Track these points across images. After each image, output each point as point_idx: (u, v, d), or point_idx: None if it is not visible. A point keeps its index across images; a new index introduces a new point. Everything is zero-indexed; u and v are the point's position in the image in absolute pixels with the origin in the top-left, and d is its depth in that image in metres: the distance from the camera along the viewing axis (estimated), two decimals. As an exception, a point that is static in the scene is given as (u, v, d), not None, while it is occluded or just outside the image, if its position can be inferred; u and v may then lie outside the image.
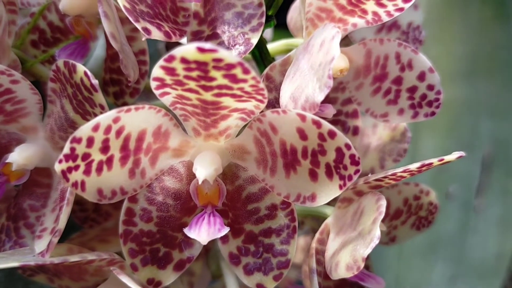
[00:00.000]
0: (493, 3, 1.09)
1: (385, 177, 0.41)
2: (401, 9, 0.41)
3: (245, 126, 0.39)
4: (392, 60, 0.44)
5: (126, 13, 0.38)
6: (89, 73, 0.35)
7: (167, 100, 0.36)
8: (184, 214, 0.42)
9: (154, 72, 0.33)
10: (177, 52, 0.31)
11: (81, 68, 0.36)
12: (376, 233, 0.36)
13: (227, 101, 0.35)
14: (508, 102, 1.06)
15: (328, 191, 0.38)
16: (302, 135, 0.36)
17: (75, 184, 0.35)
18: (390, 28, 0.53)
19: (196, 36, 0.44)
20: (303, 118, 0.35)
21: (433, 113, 0.44)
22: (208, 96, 0.34)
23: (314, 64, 0.38)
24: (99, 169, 0.36)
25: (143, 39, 0.39)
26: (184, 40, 0.44)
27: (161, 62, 0.32)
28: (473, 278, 1.00)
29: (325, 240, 0.45)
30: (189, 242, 0.42)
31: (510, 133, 1.06)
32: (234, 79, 0.32)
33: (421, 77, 0.43)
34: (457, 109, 1.07)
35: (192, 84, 0.33)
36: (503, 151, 1.06)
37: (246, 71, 0.32)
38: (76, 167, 0.34)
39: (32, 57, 0.51)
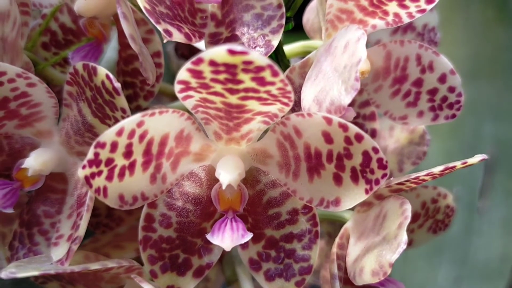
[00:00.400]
0: (495, 5, 1.10)
1: (407, 180, 0.40)
2: (423, 11, 0.40)
3: (267, 130, 0.38)
4: (412, 62, 0.43)
5: (147, 14, 0.37)
6: (111, 76, 0.35)
7: (189, 104, 0.35)
8: (203, 220, 0.41)
9: (179, 75, 0.32)
10: (206, 54, 0.30)
11: (102, 71, 0.35)
12: (403, 238, 0.36)
13: (252, 104, 0.34)
14: (511, 104, 1.06)
15: (353, 195, 0.37)
16: (328, 138, 0.36)
17: (97, 190, 0.34)
18: (405, 29, 0.53)
19: (214, 38, 0.43)
20: (329, 121, 0.35)
21: (454, 116, 0.43)
22: (233, 99, 0.34)
23: (338, 66, 0.37)
24: (121, 175, 0.35)
25: (165, 41, 0.38)
26: (201, 43, 0.43)
27: (188, 65, 0.31)
28: (478, 279, 1.00)
29: (344, 244, 0.44)
30: (208, 248, 0.41)
31: (512, 134, 1.06)
32: (262, 82, 0.32)
33: (442, 79, 0.43)
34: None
35: (218, 87, 0.33)
36: (505, 153, 1.06)
37: (275, 74, 0.31)
38: (99, 173, 0.33)
39: (43, 60, 0.50)
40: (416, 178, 0.40)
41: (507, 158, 1.06)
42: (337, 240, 0.44)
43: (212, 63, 0.30)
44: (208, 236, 0.37)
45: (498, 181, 1.05)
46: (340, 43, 0.39)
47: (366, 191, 0.36)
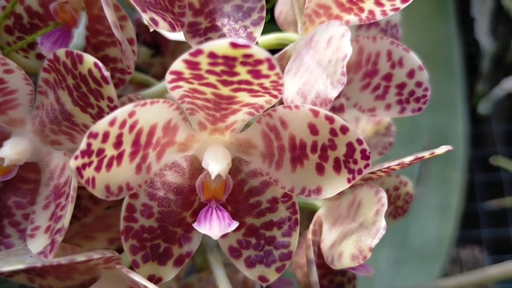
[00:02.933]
0: (433, 1, 1.16)
1: (379, 169, 0.43)
2: (397, 9, 0.42)
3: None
4: (383, 57, 0.45)
5: (133, 3, 0.36)
6: (100, 64, 0.34)
7: (176, 94, 0.35)
8: (184, 209, 0.41)
9: (174, 66, 0.32)
10: (206, 46, 0.30)
11: (89, 58, 0.34)
12: (382, 224, 0.38)
13: (242, 96, 0.35)
14: (446, 96, 1.13)
15: (335, 184, 0.39)
16: (313, 130, 0.37)
17: (87, 181, 0.33)
18: (369, 26, 0.55)
19: (192, 28, 0.43)
20: (316, 113, 0.36)
21: (420, 109, 0.46)
22: (225, 90, 0.34)
23: (321, 60, 0.39)
24: (109, 165, 0.35)
25: (151, 30, 0.37)
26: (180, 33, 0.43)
27: (185, 56, 0.31)
28: (416, 261, 1.07)
29: (317, 231, 0.46)
30: (188, 237, 0.42)
31: (448, 125, 1.13)
32: (257, 74, 0.32)
33: (411, 74, 0.45)
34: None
35: (212, 79, 0.33)
36: (441, 142, 1.12)
37: (271, 67, 0.32)
38: (90, 163, 0.33)
39: (5, 44, 0.47)
40: (388, 167, 0.42)
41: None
42: (311, 226, 0.46)
43: (212, 55, 0.31)
44: (195, 225, 0.37)
45: (434, 169, 1.12)
46: (322, 38, 0.40)
47: (349, 180, 0.38)
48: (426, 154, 0.43)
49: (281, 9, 0.50)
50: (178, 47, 0.67)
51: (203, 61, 0.31)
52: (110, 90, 0.35)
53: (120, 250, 0.50)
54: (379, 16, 0.43)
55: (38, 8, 0.46)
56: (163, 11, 0.40)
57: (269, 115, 0.38)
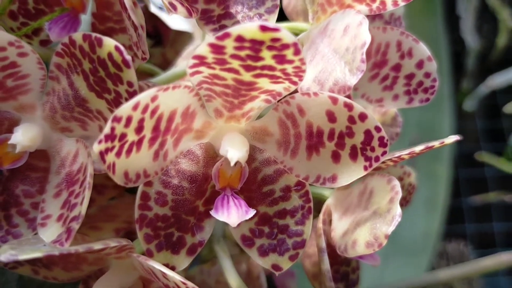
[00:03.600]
0: (421, -1, 1.17)
1: (389, 159, 0.43)
2: (408, 0, 0.43)
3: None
4: (393, 48, 0.46)
5: (151, -13, 0.36)
6: (121, 48, 0.33)
7: (195, 79, 0.35)
8: (197, 198, 0.41)
9: (198, 50, 0.32)
10: (234, 29, 0.30)
11: (110, 42, 0.33)
12: (397, 211, 0.38)
13: (262, 82, 0.35)
14: (434, 93, 1.15)
15: (351, 172, 0.39)
16: (331, 117, 0.37)
17: (109, 166, 0.33)
18: (374, 17, 0.55)
19: (205, 15, 0.43)
20: (334, 100, 0.36)
21: (427, 99, 0.47)
22: (247, 76, 0.34)
23: (338, 48, 0.39)
24: (129, 151, 0.34)
25: (170, 15, 0.37)
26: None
27: (211, 39, 0.31)
28: (403, 256, 1.08)
29: (326, 220, 0.46)
30: (200, 225, 0.41)
31: (434, 120, 1.15)
32: (282, 59, 0.32)
33: (420, 65, 0.46)
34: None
35: (235, 64, 0.33)
36: (428, 137, 1.14)
37: (297, 52, 0.32)
38: (112, 148, 0.32)
39: (9, 29, 0.46)
40: (398, 157, 0.43)
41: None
42: (320, 216, 0.46)
43: (239, 38, 0.30)
44: (212, 213, 0.37)
45: (421, 164, 1.14)
46: (338, 27, 0.40)
47: (365, 168, 0.38)
48: (436, 143, 0.43)
49: (289, 0, 0.50)
50: (178, 38, 0.66)
51: (229, 45, 0.31)
52: (131, 74, 0.34)
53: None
54: (389, 7, 0.43)
55: (44, -7, 0.45)
56: (177, -4, 0.39)
57: (287, 102, 0.38)
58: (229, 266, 0.48)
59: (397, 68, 0.46)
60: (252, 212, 0.37)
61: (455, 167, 1.23)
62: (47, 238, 0.37)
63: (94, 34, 0.34)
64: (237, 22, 0.42)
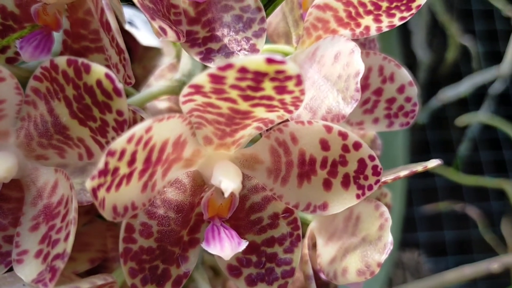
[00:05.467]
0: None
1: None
2: (393, 26, 0.43)
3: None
4: (375, 72, 0.46)
5: (142, 9, 0.34)
6: (112, 75, 0.31)
7: (187, 107, 0.34)
8: (182, 227, 0.39)
9: (196, 79, 0.30)
10: (238, 61, 0.29)
11: (99, 69, 0.31)
12: (389, 239, 0.38)
13: (258, 111, 0.34)
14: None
15: (342, 200, 0.38)
16: (325, 146, 0.37)
17: (100, 203, 0.31)
18: (350, 39, 0.56)
19: (189, 37, 0.41)
20: (329, 129, 0.36)
21: (408, 123, 0.47)
22: (244, 106, 0.33)
23: (330, 75, 0.38)
24: (119, 184, 0.32)
25: (160, 39, 0.35)
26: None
27: (212, 70, 0.30)
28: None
29: (310, 245, 0.46)
30: (185, 256, 0.40)
31: (389, 133, 1.17)
32: (282, 90, 0.31)
33: (401, 89, 0.46)
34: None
35: (233, 94, 0.32)
36: (384, 150, 1.17)
37: (299, 83, 0.31)
38: (104, 183, 0.30)
39: (-28, 46, 0.43)
40: (384, 181, 0.43)
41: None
42: (305, 241, 0.45)
43: (242, 70, 0.29)
44: (204, 245, 0.36)
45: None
46: (327, 53, 0.40)
47: (358, 196, 0.38)
48: (419, 167, 0.44)
49: (270, 20, 0.49)
50: (146, 53, 0.64)
51: (231, 76, 0.30)
52: (121, 103, 0.32)
53: (100, 270, 0.47)
54: (373, 32, 0.44)
55: (14, 8, 0.42)
56: (164, 18, 0.38)
57: (280, 130, 0.37)
58: (209, 293, 0.47)
59: (378, 92, 0.47)
60: (244, 244, 0.36)
61: (407, 178, 1.26)
62: (26, 277, 0.34)
63: (80, 60, 0.32)
64: (224, 45, 0.40)
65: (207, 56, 0.40)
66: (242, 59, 0.29)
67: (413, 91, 0.46)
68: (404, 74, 0.46)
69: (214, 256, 0.57)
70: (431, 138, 1.37)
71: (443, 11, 1.28)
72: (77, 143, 0.36)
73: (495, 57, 1.33)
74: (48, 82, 0.35)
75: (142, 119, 0.41)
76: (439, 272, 0.90)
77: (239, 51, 0.40)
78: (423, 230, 1.34)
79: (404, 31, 1.30)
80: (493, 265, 0.70)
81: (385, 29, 0.43)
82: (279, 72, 0.30)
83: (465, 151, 1.31)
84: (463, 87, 1.24)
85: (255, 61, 0.29)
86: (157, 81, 0.54)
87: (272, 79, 0.30)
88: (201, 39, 0.41)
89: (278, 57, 0.29)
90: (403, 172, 0.43)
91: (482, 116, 1.22)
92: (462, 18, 1.35)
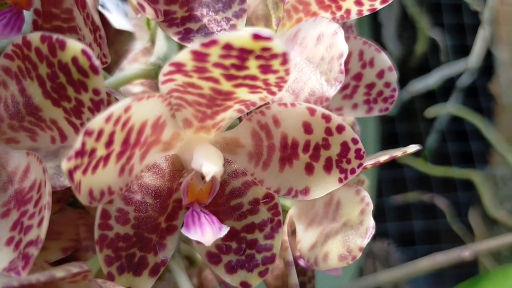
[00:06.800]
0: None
1: (354, 169, 0.43)
2: (374, 10, 0.42)
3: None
4: (355, 57, 0.46)
5: (119, -15, 0.33)
6: (89, 52, 0.30)
7: (166, 87, 0.32)
8: (160, 214, 0.38)
9: (178, 57, 0.29)
10: (223, 37, 0.28)
11: (75, 45, 0.30)
12: (371, 223, 0.38)
13: (241, 92, 0.33)
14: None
15: (324, 184, 0.38)
16: (308, 129, 0.36)
17: (76, 186, 0.29)
18: (327, 24, 0.55)
19: (167, 16, 0.40)
20: (312, 112, 0.35)
21: (387, 109, 0.47)
22: (226, 86, 0.32)
23: (312, 57, 0.38)
24: (96, 167, 0.30)
25: (139, 16, 0.34)
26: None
27: (194, 46, 0.28)
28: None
29: (289, 231, 0.45)
30: (162, 243, 0.39)
31: (359, 123, 1.18)
32: (266, 69, 0.31)
33: (380, 74, 0.46)
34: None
35: (216, 73, 0.31)
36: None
37: (284, 62, 0.30)
38: (81, 165, 0.29)
39: None
40: (365, 167, 0.43)
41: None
42: (285, 228, 0.44)
43: (227, 46, 0.28)
44: (183, 231, 0.35)
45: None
46: (309, 34, 0.39)
47: (340, 180, 0.37)
48: (399, 153, 0.43)
49: (249, 3, 0.48)
50: (117, 37, 0.62)
51: (214, 53, 0.29)
52: (98, 81, 0.31)
53: (73, 259, 0.46)
54: (353, 16, 0.43)
55: (-21, -16, 0.40)
56: (142, -4, 0.36)
57: (262, 112, 0.36)
58: (185, 281, 0.46)
59: (358, 77, 0.46)
60: (226, 229, 0.35)
61: (376, 168, 1.28)
62: (-4, 265, 0.32)
63: (55, 35, 0.30)
64: (203, 25, 0.39)
65: (185, 36, 0.39)
66: (227, 34, 0.28)
67: (393, 76, 0.46)
68: (384, 59, 0.45)
69: (190, 245, 0.56)
70: (400, 130, 1.39)
71: (413, 4, 1.30)
72: (50, 125, 0.34)
73: (463, 50, 1.35)
74: (19, 60, 0.33)
75: (117, 101, 0.39)
76: (408, 261, 0.90)
77: (219, 31, 0.39)
78: (393, 220, 1.35)
79: (374, 23, 1.31)
80: (465, 252, 0.71)
81: (365, 13, 0.43)
82: (265, 49, 0.29)
83: (433, 143, 1.33)
84: (432, 80, 1.26)
85: (241, 37, 0.28)
86: (131, 65, 0.52)
87: (257, 57, 0.29)
88: (179, 19, 0.40)
89: (265, 33, 0.28)
90: (383, 157, 0.43)
91: (451, 107, 1.24)
92: (432, 11, 1.37)
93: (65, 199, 0.47)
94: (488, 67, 1.41)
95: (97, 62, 0.30)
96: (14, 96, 0.34)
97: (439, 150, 1.36)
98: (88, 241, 0.44)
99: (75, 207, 0.49)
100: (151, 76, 0.47)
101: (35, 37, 0.31)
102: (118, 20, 0.58)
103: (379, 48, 0.45)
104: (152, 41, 0.54)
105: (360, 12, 0.43)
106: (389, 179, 1.37)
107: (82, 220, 0.46)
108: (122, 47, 0.62)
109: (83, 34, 0.38)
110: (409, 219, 1.38)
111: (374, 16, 1.29)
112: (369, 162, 0.43)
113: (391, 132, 1.39)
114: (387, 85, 0.46)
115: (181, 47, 0.46)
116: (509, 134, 1.40)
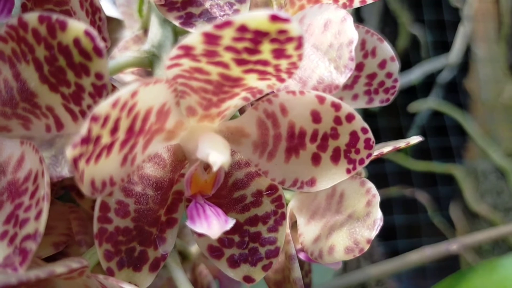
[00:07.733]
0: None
1: (356, 160, 0.42)
2: (377, -3, 0.42)
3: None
4: (357, 46, 0.44)
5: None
6: (93, 33, 0.28)
7: (171, 72, 0.31)
8: (160, 207, 0.36)
9: (188, 40, 0.28)
10: (239, 18, 0.26)
11: (78, 26, 0.28)
12: (378, 215, 0.37)
13: (250, 78, 0.31)
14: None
15: (331, 175, 0.37)
16: (316, 118, 0.35)
17: (81, 175, 0.27)
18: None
19: (166, 0, 0.38)
20: (321, 100, 0.34)
21: (388, 99, 0.46)
22: (236, 71, 0.30)
23: (320, 44, 0.36)
24: (99, 156, 0.29)
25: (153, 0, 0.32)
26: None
27: (207, 28, 0.27)
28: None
29: (289, 225, 0.44)
30: (162, 237, 0.37)
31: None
32: (280, 54, 0.29)
33: (382, 64, 0.45)
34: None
35: (227, 57, 0.29)
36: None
37: (299, 47, 0.29)
38: (85, 153, 0.27)
39: None
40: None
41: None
42: (287, 221, 0.43)
43: (242, 28, 0.27)
44: (188, 224, 0.33)
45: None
46: (316, 21, 0.38)
47: (348, 171, 0.36)
48: (402, 144, 0.43)
49: (248, -10, 0.46)
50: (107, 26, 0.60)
51: (227, 35, 0.27)
52: (101, 64, 0.29)
53: (63, 255, 0.44)
54: (356, 4, 0.42)
55: (-35, -37, 0.38)
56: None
57: (269, 101, 0.35)
58: (182, 277, 0.44)
59: (359, 67, 0.45)
60: (232, 222, 0.34)
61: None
62: (-11, 260, 0.30)
63: (55, 16, 0.28)
64: (206, 10, 0.38)
65: (187, 21, 0.37)
66: (243, 15, 0.26)
67: (395, 67, 0.45)
68: (386, 49, 0.45)
69: (182, 240, 0.54)
70: (381, 125, 1.39)
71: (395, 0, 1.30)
72: (46, 112, 0.32)
73: (443, 47, 1.37)
74: (14, 43, 0.31)
75: (114, 88, 0.37)
76: (390, 255, 0.90)
77: (222, 16, 0.38)
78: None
79: (356, 18, 1.31)
80: (453, 246, 0.72)
81: (369, 1, 0.42)
82: (281, 32, 0.27)
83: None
84: (414, 75, 1.27)
85: (258, 18, 0.26)
86: (122, 53, 0.50)
87: (272, 40, 0.28)
88: (180, 3, 0.38)
89: (283, 14, 0.26)
90: (387, 148, 0.42)
91: (433, 103, 1.25)
92: (413, 7, 1.38)
93: (53, 193, 0.45)
94: (465, 63, 1.43)
95: (101, 44, 0.28)
96: (7, 81, 0.32)
97: (420, 145, 1.37)
98: (81, 235, 0.42)
99: (64, 201, 0.47)
100: (145, 64, 0.45)
101: (32, 18, 0.29)
102: (107, 7, 0.55)
103: (382, 37, 0.44)
104: (144, 28, 0.52)
105: (363, 1, 0.42)
106: (371, 174, 1.37)
107: (73, 214, 0.43)
108: (111, 36, 0.60)
109: (79, 18, 0.36)
110: (390, 214, 1.39)
111: (357, 11, 1.29)
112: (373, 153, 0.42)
113: (373, 127, 1.39)
114: (389, 75, 0.45)
115: (176, 34, 0.44)
116: (486, 129, 1.42)
